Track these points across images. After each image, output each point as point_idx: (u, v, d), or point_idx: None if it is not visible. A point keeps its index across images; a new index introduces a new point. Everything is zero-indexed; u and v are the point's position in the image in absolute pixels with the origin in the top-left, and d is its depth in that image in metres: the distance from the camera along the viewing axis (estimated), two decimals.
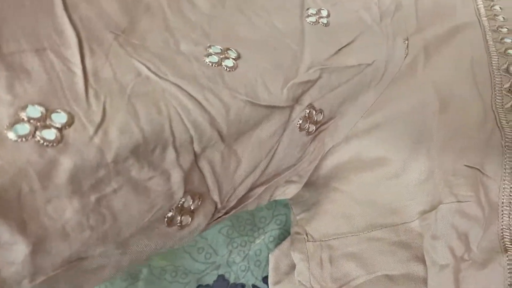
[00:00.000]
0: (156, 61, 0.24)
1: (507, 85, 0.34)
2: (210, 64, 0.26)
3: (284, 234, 0.36)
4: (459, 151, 0.31)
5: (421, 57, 0.36)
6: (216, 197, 0.27)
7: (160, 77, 0.23)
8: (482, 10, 0.39)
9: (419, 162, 0.32)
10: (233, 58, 0.27)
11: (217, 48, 0.27)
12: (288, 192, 0.33)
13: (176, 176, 0.24)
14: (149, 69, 0.23)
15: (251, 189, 0.29)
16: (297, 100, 0.29)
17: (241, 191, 0.29)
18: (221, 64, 0.26)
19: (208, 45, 0.27)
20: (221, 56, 0.27)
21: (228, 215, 0.28)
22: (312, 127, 0.31)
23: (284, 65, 0.29)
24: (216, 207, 0.28)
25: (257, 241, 0.35)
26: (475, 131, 0.32)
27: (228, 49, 0.27)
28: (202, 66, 0.25)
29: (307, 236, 0.33)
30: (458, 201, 0.29)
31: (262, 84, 0.27)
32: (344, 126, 0.34)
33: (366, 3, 0.38)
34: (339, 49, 0.33)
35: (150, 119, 0.22)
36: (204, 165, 0.26)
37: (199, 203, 0.26)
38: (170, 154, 0.23)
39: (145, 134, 0.21)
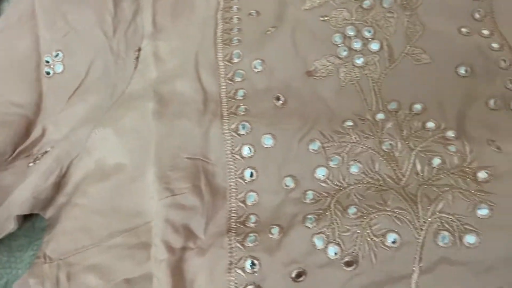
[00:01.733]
0: None
1: (230, 75, 0.35)
2: None
3: None
4: (178, 146, 0.32)
5: (151, 63, 0.36)
6: None
7: None
8: (222, 3, 0.40)
9: (151, 164, 0.33)
10: None
11: None
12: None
13: None
14: None
15: None
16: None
17: None
18: None
19: None
20: None
21: None
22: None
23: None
24: None
25: (14, 272, 0.34)
26: (194, 124, 0.33)
27: None
28: None
29: (44, 259, 0.32)
30: (173, 195, 0.30)
31: None
32: (77, 140, 0.34)
33: (101, 14, 0.38)
34: (72, 94, 0.37)
35: None
36: None
37: None
38: None
39: None
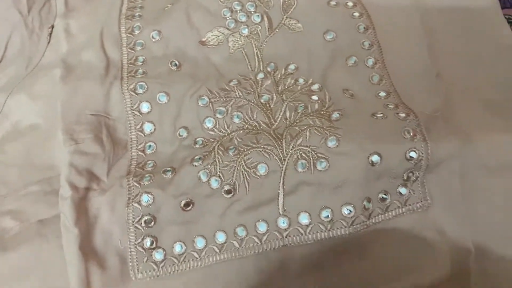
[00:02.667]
0: None
1: (131, 44, 0.41)
2: None
3: None
4: (82, 104, 0.37)
5: (62, 38, 0.41)
6: None
7: None
8: None
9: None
10: None
11: None
12: None
13: None
14: None
15: None
16: None
17: None
18: None
19: None
20: None
21: None
22: None
23: None
24: None
25: None
26: (97, 85, 0.38)
27: None
28: None
29: None
30: (76, 144, 0.35)
31: None
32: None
33: None
34: None
35: None
36: None
37: None
38: None
39: None
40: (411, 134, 0.35)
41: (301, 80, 0.39)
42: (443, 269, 0.33)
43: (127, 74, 0.39)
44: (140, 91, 0.38)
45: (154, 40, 0.41)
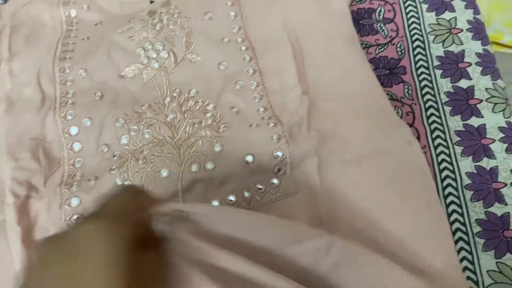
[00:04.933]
0: None
1: (63, 81, 0.51)
2: None
3: None
4: (23, 131, 0.46)
5: (7, 78, 0.50)
6: None
7: None
8: (64, 33, 0.56)
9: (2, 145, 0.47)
10: None
11: None
12: None
13: None
14: None
15: None
16: None
17: None
18: None
19: None
20: None
21: None
22: None
23: None
24: None
25: None
26: (34, 115, 0.47)
27: None
28: None
29: None
30: (16, 161, 0.45)
31: None
32: None
33: None
34: None
35: None
36: None
37: None
38: None
39: None
40: (278, 138, 0.46)
41: (200, 102, 0.50)
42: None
43: (59, 104, 0.49)
44: (69, 117, 0.48)
45: (81, 76, 0.51)
